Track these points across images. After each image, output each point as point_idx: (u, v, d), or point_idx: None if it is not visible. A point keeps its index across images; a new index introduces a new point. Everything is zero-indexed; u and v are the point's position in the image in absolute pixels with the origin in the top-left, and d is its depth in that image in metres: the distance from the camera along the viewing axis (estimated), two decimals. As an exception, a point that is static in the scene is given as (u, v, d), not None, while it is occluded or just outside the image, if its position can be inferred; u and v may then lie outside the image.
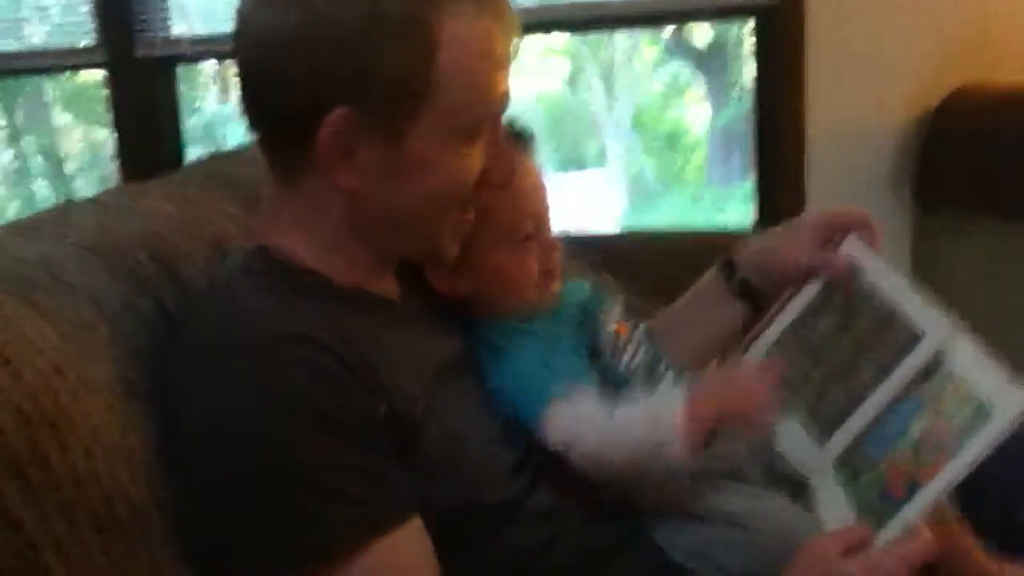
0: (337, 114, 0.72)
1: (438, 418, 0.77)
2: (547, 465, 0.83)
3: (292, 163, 0.77)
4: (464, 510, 0.76)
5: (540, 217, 0.89)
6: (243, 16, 0.76)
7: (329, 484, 0.68)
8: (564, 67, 4.78)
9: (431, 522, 0.72)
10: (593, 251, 1.43)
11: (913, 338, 0.82)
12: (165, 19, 2.22)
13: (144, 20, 2.19)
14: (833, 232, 0.93)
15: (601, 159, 4.76)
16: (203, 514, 0.70)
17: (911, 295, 0.85)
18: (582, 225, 2.55)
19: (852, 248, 0.91)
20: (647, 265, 1.50)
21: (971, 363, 0.77)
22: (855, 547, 0.73)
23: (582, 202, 4.49)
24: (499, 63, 0.77)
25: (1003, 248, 1.98)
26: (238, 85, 0.78)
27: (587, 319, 0.90)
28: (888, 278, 0.87)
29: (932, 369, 0.79)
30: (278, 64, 0.73)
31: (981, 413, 0.73)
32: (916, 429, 0.77)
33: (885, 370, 0.83)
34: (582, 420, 0.79)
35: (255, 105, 0.77)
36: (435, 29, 0.72)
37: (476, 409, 0.83)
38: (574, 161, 4.73)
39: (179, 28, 2.26)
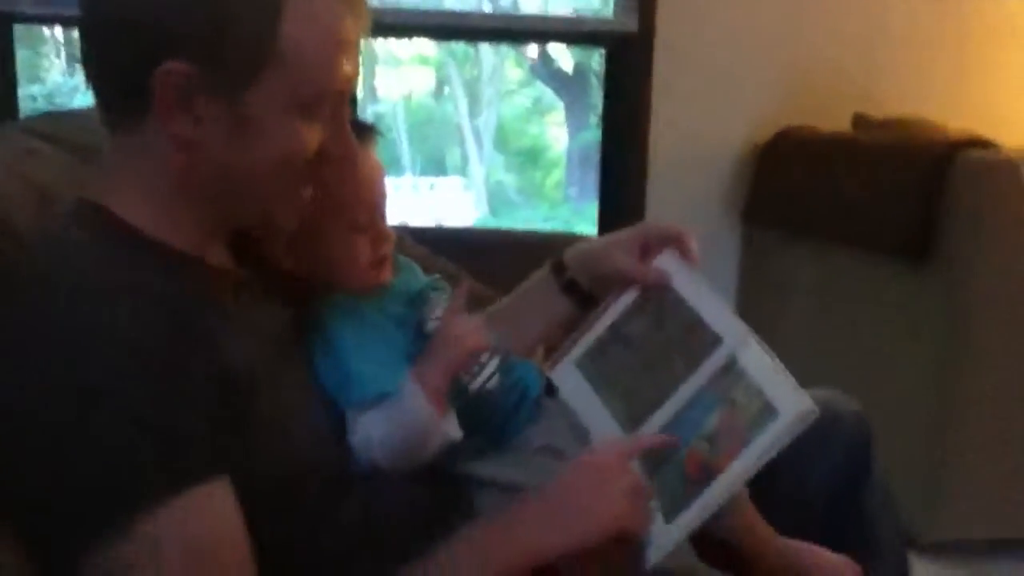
0: (176, 61, 0.72)
1: (271, 386, 0.77)
2: None
3: (129, 111, 0.76)
4: (290, 478, 0.77)
5: (375, 207, 0.91)
6: None
7: (153, 431, 0.67)
8: (431, 76, 4.81)
9: (260, 491, 0.73)
10: (445, 243, 1.47)
11: (714, 340, 0.90)
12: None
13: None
14: (650, 245, 1.00)
15: (463, 168, 4.82)
16: (27, 463, 0.69)
17: (714, 305, 0.93)
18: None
19: (666, 261, 0.99)
20: (497, 259, 1.55)
21: (761, 366, 0.86)
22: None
23: (442, 206, 4.53)
24: (344, 45, 0.78)
25: (816, 265, 2.18)
26: (80, 28, 0.77)
27: (418, 301, 0.93)
28: (695, 289, 0.95)
29: (728, 368, 0.87)
30: (126, 6, 0.73)
31: (768, 412, 0.82)
32: (712, 421, 0.85)
33: (690, 367, 0.90)
34: (369, 431, 0.83)
35: (95, 47, 0.76)
36: None
37: (307, 376, 0.85)
38: (435, 166, 4.76)
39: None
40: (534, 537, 0.79)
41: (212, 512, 0.70)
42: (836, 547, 1.03)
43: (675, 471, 0.86)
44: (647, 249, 1.00)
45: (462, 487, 0.89)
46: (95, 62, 0.77)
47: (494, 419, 0.92)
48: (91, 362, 0.67)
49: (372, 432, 0.83)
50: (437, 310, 0.94)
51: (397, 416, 0.83)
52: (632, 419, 0.92)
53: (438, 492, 0.87)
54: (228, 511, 0.72)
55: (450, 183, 4.72)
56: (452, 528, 0.82)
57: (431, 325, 0.92)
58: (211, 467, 0.71)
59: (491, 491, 0.88)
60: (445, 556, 0.80)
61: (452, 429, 0.85)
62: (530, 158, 4.98)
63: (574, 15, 2.45)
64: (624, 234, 1.03)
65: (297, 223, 0.84)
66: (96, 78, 0.77)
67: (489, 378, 0.92)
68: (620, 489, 0.80)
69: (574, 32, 2.48)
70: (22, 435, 0.68)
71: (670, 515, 0.83)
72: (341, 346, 0.86)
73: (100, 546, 0.66)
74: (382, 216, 0.92)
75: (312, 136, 0.79)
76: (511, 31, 2.51)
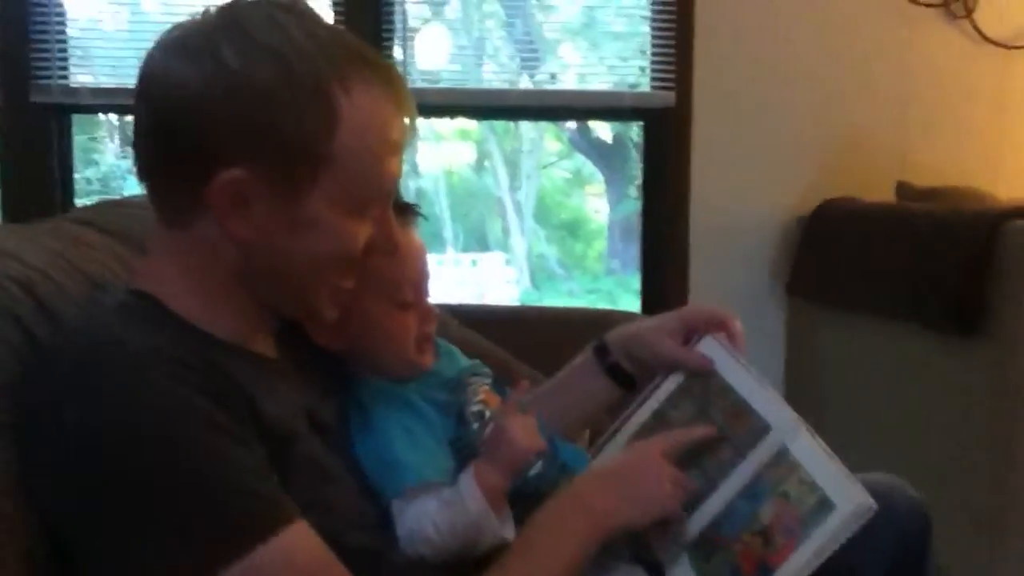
0: (235, 168, 0.74)
1: (306, 458, 0.78)
2: None
3: (184, 210, 0.78)
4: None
5: (419, 285, 0.92)
6: (153, 62, 0.77)
7: (234, 481, 0.69)
8: (471, 151, 4.89)
9: None
10: (488, 322, 1.47)
11: (763, 429, 0.88)
12: (64, 67, 2.20)
13: (42, 66, 2.16)
14: (694, 330, 1.00)
15: (504, 241, 4.85)
16: (99, 528, 0.69)
17: (760, 392, 0.91)
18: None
19: (709, 347, 0.97)
20: (540, 338, 1.54)
21: (814, 457, 0.84)
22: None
23: (485, 282, 4.55)
24: (394, 147, 0.80)
25: (862, 338, 2.13)
26: (135, 129, 0.79)
27: (459, 387, 0.93)
28: (740, 376, 0.93)
29: (780, 458, 0.85)
30: (184, 112, 0.74)
31: (824, 506, 0.79)
32: (766, 514, 0.83)
33: (737, 455, 0.88)
34: (423, 522, 0.83)
35: (152, 150, 0.78)
36: (341, 104, 0.76)
37: (348, 460, 0.85)
38: (477, 241, 4.80)
39: (80, 78, 2.24)
40: (610, 507, 0.86)
41: (313, 543, 0.72)
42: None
43: (727, 563, 0.83)
44: (692, 333, 1.00)
45: None
46: (151, 162, 0.79)
47: (526, 505, 0.90)
48: (156, 426, 0.68)
49: (423, 523, 0.82)
50: (480, 395, 0.93)
51: (453, 512, 0.82)
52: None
53: None
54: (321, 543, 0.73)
55: (492, 258, 4.75)
56: None
57: (473, 409, 0.91)
58: (292, 508, 0.72)
59: None
60: (530, 530, 0.84)
61: (508, 531, 0.84)
62: (571, 231, 5.00)
63: (612, 90, 2.48)
64: (667, 318, 1.02)
65: (339, 313, 0.85)
66: (151, 178, 0.79)
67: (534, 464, 0.90)
68: (668, 476, 0.88)
69: (612, 108, 2.51)
70: (103, 492, 0.69)
71: None
72: (386, 433, 0.86)
73: None
74: (426, 294, 0.93)
75: (362, 232, 0.81)
76: (551, 108, 2.55)
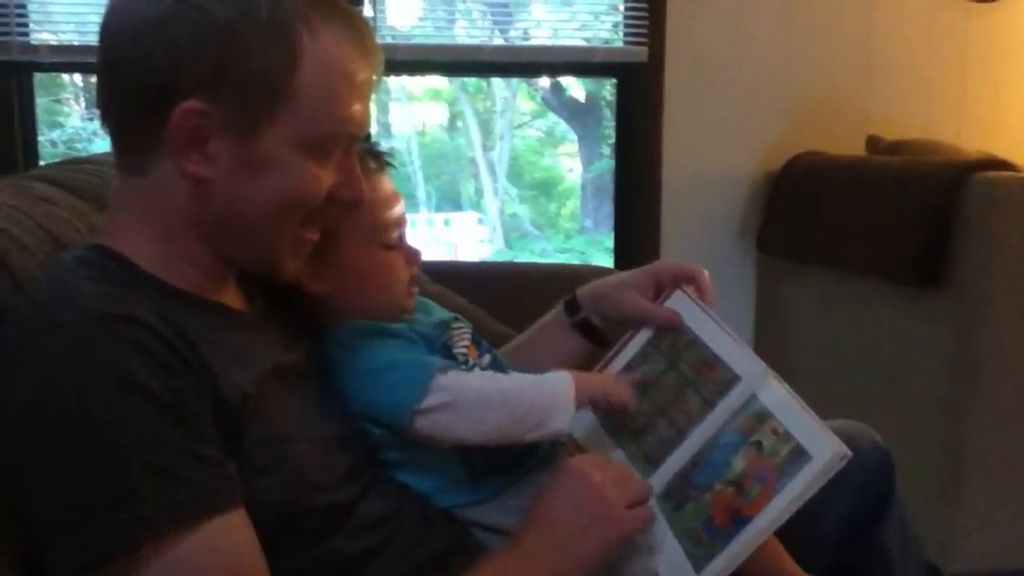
0: (193, 100, 0.73)
1: (266, 417, 0.77)
2: (382, 473, 0.86)
3: (142, 148, 0.77)
4: (291, 511, 0.76)
5: (400, 227, 0.92)
6: (114, 2, 0.77)
7: (156, 462, 0.67)
8: (443, 111, 4.84)
9: (258, 522, 0.72)
10: (459, 278, 1.47)
11: (732, 379, 0.88)
12: (24, 23, 2.14)
13: (0, 23, 2.10)
14: (663, 284, 1.00)
15: (477, 202, 4.83)
16: (30, 492, 0.69)
17: (730, 343, 0.92)
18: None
19: (679, 300, 0.98)
20: (511, 293, 1.55)
21: (785, 406, 0.84)
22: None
23: (457, 242, 4.54)
24: (357, 90, 0.80)
25: (831, 291, 2.16)
26: (98, 69, 0.78)
27: (440, 335, 0.92)
28: (709, 328, 0.94)
29: (748, 407, 0.86)
30: (143, 46, 0.74)
31: (799, 456, 0.80)
32: (738, 464, 0.84)
33: (708, 404, 0.89)
34: (466, 384, 0.84)
35: (112, 87, 0.77)
36: (301, 39, 0.75)
37: (314, 413, 0.84)
38: (450, 201, 4.78)
39: (42, 35, 2.19)
40: (562, 560, 0.81)
41: (235, 539, 0.70)
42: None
43: (699, 513, 0.84)
44: (661, 288, 1.00)
45: (470, 533, 0.88)
46: (112, 101, 0.78)
47: (508, 457, 0.91)
48: (89, 398, 0.67)
49: (496, 379, 0.85)
50: (464, 340, 0.93)
51: (535, 382, 0.86)
52: (648, 460, 0.91)
53: (448, 536, 0.86)
54: (250, 537, 0.71)
55: (465, 218, 4.74)
56: (455, 573, 0.81)
57: (459, 350, 0.91)
58: (233, 494, 0.71)
59: (500, 538, 0.87)
60: None
61: (565, 422, 0.86)
62: (544, 190, 4.99)
63: (585, 46, 2.46)
64: (636, 274, 1.03)
65: (299, 268, 0.85)
66: (112, 117, 0.79)
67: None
68: (620, 499, 0.84)
69: (585, 63, 2.50)
70: (34, 462, 0.68)
71: (698, 561, 0.82)
72: (382, 352, 0.86)
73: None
74: (405, 235, 0.93)
75: (322, 176, 0.80)
76: (523, 64, 2.53)
